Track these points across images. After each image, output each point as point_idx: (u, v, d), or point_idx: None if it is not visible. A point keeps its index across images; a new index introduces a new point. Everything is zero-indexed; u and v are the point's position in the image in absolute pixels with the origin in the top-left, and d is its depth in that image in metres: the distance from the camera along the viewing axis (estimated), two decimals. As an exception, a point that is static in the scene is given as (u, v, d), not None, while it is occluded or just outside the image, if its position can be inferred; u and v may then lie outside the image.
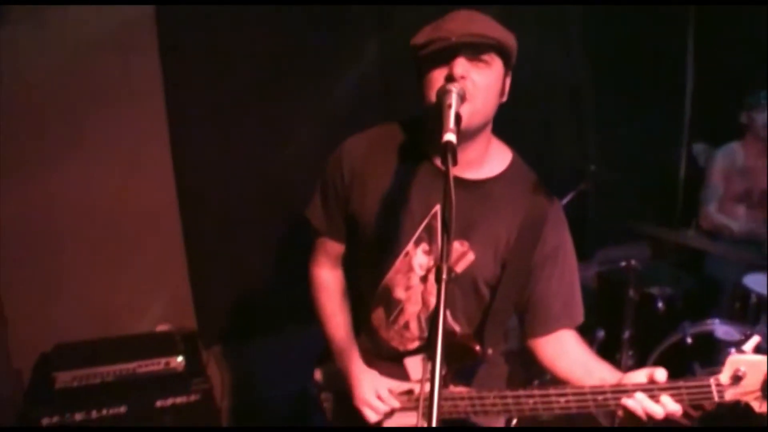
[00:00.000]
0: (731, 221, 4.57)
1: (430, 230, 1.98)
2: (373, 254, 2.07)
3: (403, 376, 2.10)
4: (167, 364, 3.16)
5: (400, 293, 2.06)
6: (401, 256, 2.02)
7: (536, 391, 1.82)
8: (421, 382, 2.04)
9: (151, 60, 3.50)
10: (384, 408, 2.08)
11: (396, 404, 2.08)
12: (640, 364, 3.85)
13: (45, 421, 2.87)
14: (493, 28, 1.86)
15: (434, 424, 1.36)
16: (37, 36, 3.23)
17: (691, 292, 4.33)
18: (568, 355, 1.99)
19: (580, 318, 2.06)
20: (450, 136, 1.61)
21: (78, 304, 3.53)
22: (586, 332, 4.22)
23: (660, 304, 4.08)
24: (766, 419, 1.75)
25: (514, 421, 3.19)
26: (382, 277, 2.06)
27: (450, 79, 1.78)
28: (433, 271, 1.73)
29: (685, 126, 5.81)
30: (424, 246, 2.00)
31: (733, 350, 1.65)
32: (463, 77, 1.79)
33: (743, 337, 3.59)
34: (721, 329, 3.69)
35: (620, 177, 4.23)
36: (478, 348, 2.00)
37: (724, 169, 4.68)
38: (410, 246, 2.00)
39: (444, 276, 1.46)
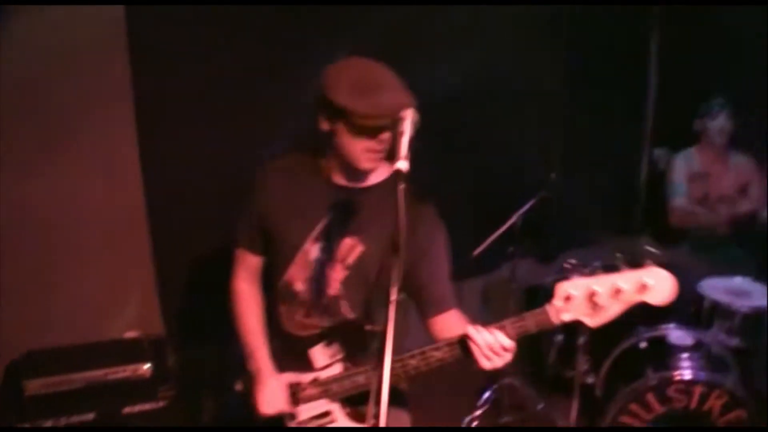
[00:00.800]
0: (699, 210, 4.71)
1: (324, 232, 2.32)
2: (278, 257, 2.39)
3: (309, 366, 2.37)
4: (135, 370, 3.24)
5: (298, 285, 2.37)
6: (299, 253, 2.34)
7: (415, 351, 2.15)
8: (324, 368, 2.35)
9: (120, 64, 3.51)
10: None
11: (286, 408, 2.37)
12: (595, 368, 3.97)
13: (14, 429, 2.93)
14: (408, 95, 2.08)
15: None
16: (2, 39, 3.25)
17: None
18: (453, 329, 2.20)
19: (449, 303, 2.35)
20: (402, 164, 1.80)
21: (46, 311, 3.55)
22: (544, 336, 4.37)
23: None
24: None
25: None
26: (284, 274, 2.38)
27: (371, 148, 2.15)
28: (328, 264, 2.31)
29: (646, 132, 5.93)
30: (319, 244, 2.33)
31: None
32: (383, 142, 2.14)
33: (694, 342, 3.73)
34: (675, 334, 3.81)
35: (581, 184, 4.33)
36: (368, 327, 2.32)
37: (685, 172, 4.82)
38: (308, 244, 2.33)
39: (393, 298, 1.69)
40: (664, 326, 3.87)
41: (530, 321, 2.01)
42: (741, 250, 4.71)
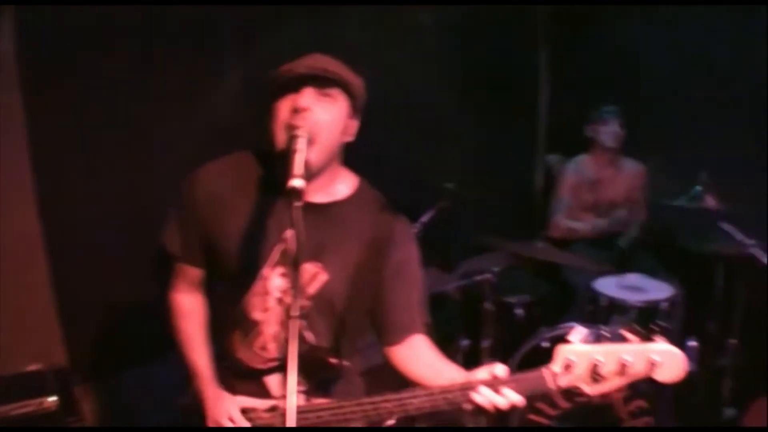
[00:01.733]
0: (576, 223, 4.90)
1: (286, 254, 2.09)
2: (230, 278, 2.15)
3: (265, 393, 2.19)
4: (40, 404, 3.13)
5: (257, 315, 2.15)
6: (258, 280, 2.11)
7: (390, 396, 1.97)
8: (284, 397, 2.09)
9: (10, 88, 3.39)
10: (236, 427, 2.17)
11: (247, 424, 2.17)
12: (501, 370, 4.06)
13: None
14: (341, 68, 2.04)
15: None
16: None
17: (548, 298, 4.58)
18: (419, 359, 2.16)
19: (425, 323, 2.25)
20: (297, 182, 1.75)
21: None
22: (450, 342, 4.46)
23: (518, 312, 4.32)
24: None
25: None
26: (240, 300, 2.15)
27: (295, 110, 1.93)
28: (289, 292, 1.98)
29: (539, 139, 6.12)
30: (280, 269, 2.11)
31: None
32: (307, 109, 1.93)
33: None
34: (575, 331, 3.95)
35: (478, 192, 4.44)
36: (334, 361, 2.14)
37: (574, 182, 4.99)
38: (266, 270, 2.10)
39: (294, 314, 1.66)
40: (564, 325, 4.00)
41: (524, 384, 1.90)
42: (632, 248, 4.94)
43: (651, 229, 5.04)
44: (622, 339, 1.84)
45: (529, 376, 1.89)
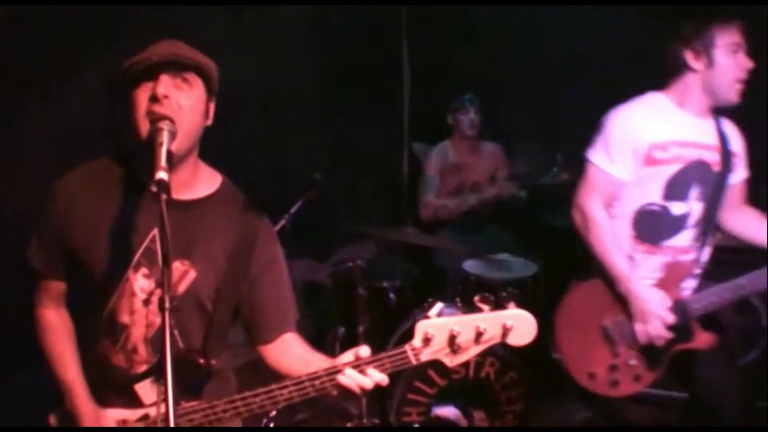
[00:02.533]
0: (447, 200, 5.03)
1: (149, 254, 2.08)
2: (96, 284, 2.11)
3: (137, 403, 2.16)
4: None
5: (125, 318, 2.12)
6: (122, 282, 2.09)
7: (260, 390, 2.01)
8: (154, 405, 2.13)
9: None
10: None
11: None
12: (378, 353, 4.14)
13: None
14: (194, 52, 2.06)
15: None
16: None
17: (419, 281, 4.67)
18: (290, 353, 2.18)
19: (295, 318, 2.28)
20: (162, 175, 1.75)
21: None
22: (327, 330, 4.49)
23: (391, 296, 4.39)
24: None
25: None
26: (106, 305, 2.11)
27: (154, 98, 1.92)
28: (156, 293, 2.05)
29: (404, 128, 6.24)
30: (144, 270, 2.09)
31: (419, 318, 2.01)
32: (166, 96, 1.93)
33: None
34: (447, 312, 4.05)
35: (346, 181, 4.48)
36: (202, 361, 2.12)
37: (439, 165, 5.14)
38: (130, 271, 2.08)
39: (167, 305, 1.64)
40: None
41: (387, 362, 1.93)
42: (497, 229, 5.11)
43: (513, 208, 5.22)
44: (477, 309, 1.90)
45: (392, 353, 1.94)
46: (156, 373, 2.12)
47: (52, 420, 2.28)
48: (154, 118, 1.91)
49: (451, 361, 1.93)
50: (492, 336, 1.89)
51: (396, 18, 6.05)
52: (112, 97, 3.80)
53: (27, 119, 3.67)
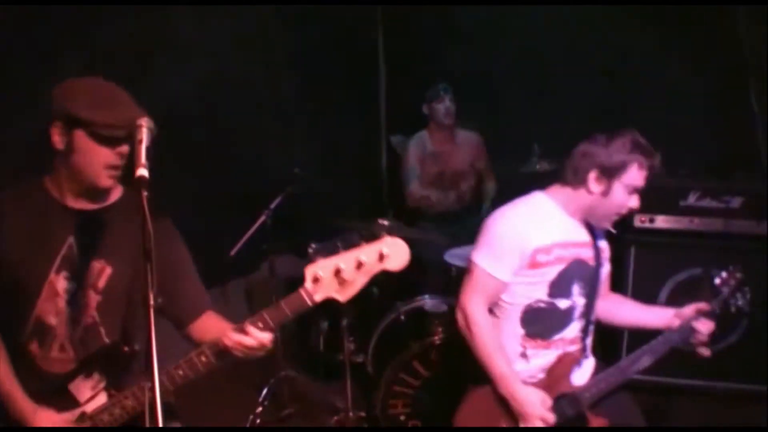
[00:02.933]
0: (430, 192, 5.05)
1: (68, 259, 2.25)
2: (20, 293, 2.24)
3: (73, 403, 2.26)
4: None
5: (51, 319, 2.25)
6: (46, 285, 2.24)
7: (181, 362, 2.17)
8: (90, 401, 2.25)
9: None
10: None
11: None
12: (362, 346, 4.17)
13: None
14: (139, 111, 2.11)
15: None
16: None
17: (401, 274, 4.64)
18: (214, 329, 2.29)
19: (205, 304, 2.44)
20: (143, 171, 1.85)
21: None
22: (311, 325, 4.49)
23: (374, 289, 4.39)
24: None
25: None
26: (32, 310, 2.25)
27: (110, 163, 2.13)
28: (80, 292, 2.24)
29: (382, 121, 6.25)
30: (65, 273, 2.25)
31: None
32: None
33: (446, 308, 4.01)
34: (430, 303, 4.07)
35: (325, 176, 4.47)
36: (126, 349, 2.26)
37: (417, 155, 5.15)
38: (52, 275, 2.24)
39: (151, 302, 1.73)
40: (419, 298, 4.12)
41: (285, 307, 2.10)
42: (479, 219, 5.12)
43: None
44: (356, 246, 2.08)
45: (287, 298, 2.11)
46: (85, 368, 2.25)
47: None
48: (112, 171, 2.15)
49: (342, 296, 2.11)
50: (372, 264, 2.07)
51: (371, 13, 6.04)
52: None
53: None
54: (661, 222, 4.25)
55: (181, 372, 2.15)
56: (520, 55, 5.29)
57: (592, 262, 2.88)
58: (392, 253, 2.07)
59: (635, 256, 4.30)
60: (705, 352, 2.92)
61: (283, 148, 5.07)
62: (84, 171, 2.15)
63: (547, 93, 5.21)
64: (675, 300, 4.17)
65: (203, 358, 2.15)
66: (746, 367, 4.10)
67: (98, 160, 2.12)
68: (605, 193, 2.74)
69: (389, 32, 6.15)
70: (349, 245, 2.14)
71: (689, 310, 2.91)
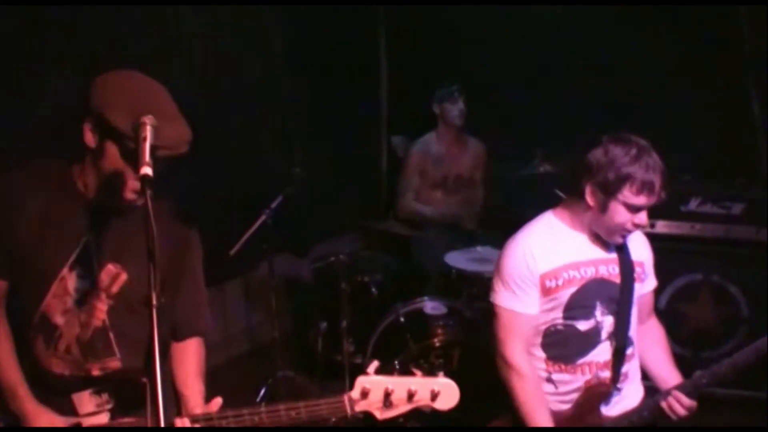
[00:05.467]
0: (424, 207, 5.01)
1: (83, 256, 2.11)
2: (29, 284, 2.12)
3: (70, 410, 2.17)
4: None
5: (58, 318, 2.13)
6: (57, 281, 2.10)
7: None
8: (90, 416, 2.17)
9: None
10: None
11: None
12: (361, 348, 4.16)
13: None
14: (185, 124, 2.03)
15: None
16: None
17: (401, 275, 4.67)
18: (185, 363, 2.26)
19: (207, 328, 2.35)
20: (146, 170, 1.74)
21: None
22: (310, 325, 4.48)
23: (373, 291, 4.39)
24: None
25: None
26: (39, 305, 2.12)
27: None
28: (93, 293, 2.10)
29: (382, 121, 6.23)
30: (79, 270, 2.11)
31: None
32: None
33: (447, 311, 4.00)
34: (429, 305, 4.07)
35: (325, 176, 4.46)
36: (144, 380, 2.04)
37: (420, 162, 5.08)
38: (65, 271, 2.10)
39: (154, 302, 1.66)
40: (418, 300, 4.11)
41: (324, 408, 2.01)
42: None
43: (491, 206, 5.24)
44: (411, 373, 2.04)
45: (330, 399, 2.02)
46: (98, 386, 2.16)
47: None
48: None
49: (381, 415, 2.04)
50: (422, 398, 2.01)
51: (373, 13, 6.03)
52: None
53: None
54: (662, 227, 4.24)
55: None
56: (523, 56, 5.26)
57: (616, 279, 2.68)
58: (444, 394, 2.02)
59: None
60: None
61: (283, 148, 5.06)
62: (110, 180, 2.01)
63: (550, 94, 5.19)
64: (674, 305, 4.20)
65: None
66: (746, 374, 4.10)
67: (127, 177, 1.99)
68: (602, 209, 2.56)
69: (391, 32, 6.13)
70: (406, 370, 2.10)
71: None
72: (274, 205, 4.11)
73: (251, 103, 4.82)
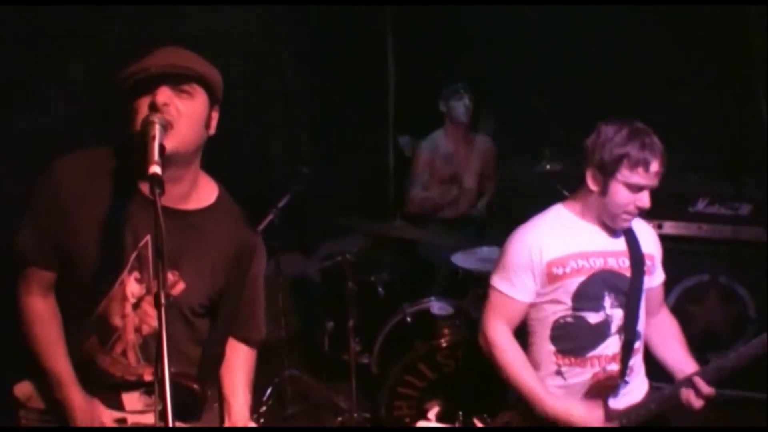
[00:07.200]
0: (432, 194, 5.03)
1: (141, 259, 2.04)
2: (86, 282, 2.05)
3: (119, 405, 2.14)
4: None
5: (116, 321, 2.08)
6: (116, 285, 2.05)
7: None
8: (136, 413, 2.13)
9: None
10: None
11: None
12: (367, 347, 4.16)
13: None
14: (195, 61, 1.99)
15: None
16: None
17: (407, 275, 4.69)
18: (233, 372, 2.26)
19: (259, 338, 2.33)
20: (155, 169, 1.72)
21: None
22: (316, 324, 4.49)
23: (380, 290, 4.38)
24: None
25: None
26: (97, 305, 2.07)
27: (153, 107, 1.87)
28: (146, 298, 2.04)
29: (389, 121, 6.23)
30: (135, 274, 2.06)
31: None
32: (166, 104, 1.88)
33: (454, 311, 4.00)
34: (436, 305, 4.06)
35: (332, 175, 4.47)
36: (196, 387, 2.10)
37: (429, 158, 5.11)
38: (124, 274, 2.04)
39: (162, 302, 1.61)
40: (425, 300, 4.10)
41: None
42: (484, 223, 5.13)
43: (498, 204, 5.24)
44: (472, 423, 2.15)
45: None
46: (151, 388, 2.08)
47: (18, 392, 2.19)
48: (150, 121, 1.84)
49: None
50: None
51: (380, 12, 6.03)
52: (96, 91, 3.84)
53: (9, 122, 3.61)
54: (669, 228, 4.24)
55: None
56: (530, 55, 5.28)
57: (626, 272, 2.71)
58: None
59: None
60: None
61: (290, 147, 5.06)
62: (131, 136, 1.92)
63: (557, 93, 5.19)
64: (682, 306, 4.19)
65: None
66: (749, 375, 4.09)
67: (139, 119, 1.89)
68: (603, 192, 2.61)
69: (398, 32, 6.13)
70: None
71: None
72: (281, 204, 4.12)
73: (259, 102, 4.83)
